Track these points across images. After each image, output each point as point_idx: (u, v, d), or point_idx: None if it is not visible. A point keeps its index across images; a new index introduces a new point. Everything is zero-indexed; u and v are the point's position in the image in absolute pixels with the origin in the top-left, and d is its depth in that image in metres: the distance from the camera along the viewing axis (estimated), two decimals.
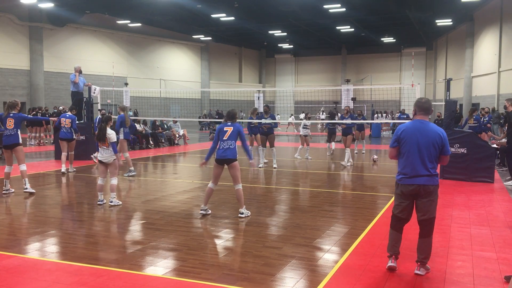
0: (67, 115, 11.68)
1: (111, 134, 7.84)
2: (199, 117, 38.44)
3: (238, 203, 7.09)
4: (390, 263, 4.75)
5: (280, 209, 7.88)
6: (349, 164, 13.29)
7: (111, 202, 7.81)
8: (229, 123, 7.03)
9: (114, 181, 7.97)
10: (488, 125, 15.66)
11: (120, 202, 7.92)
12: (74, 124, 11.68)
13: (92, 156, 13.51)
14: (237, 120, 7.17)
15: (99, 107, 15.19)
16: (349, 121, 13.56)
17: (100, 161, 7.98)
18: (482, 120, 15.37)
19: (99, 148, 7.93)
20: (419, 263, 4.69)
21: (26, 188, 8.74)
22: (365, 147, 17.83)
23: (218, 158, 6.93)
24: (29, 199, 8.40)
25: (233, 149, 6.87)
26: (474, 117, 14.95)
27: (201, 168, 12.23)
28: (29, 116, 17.24)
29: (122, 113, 11.37)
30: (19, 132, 8.89)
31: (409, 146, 4.62)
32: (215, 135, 7.07)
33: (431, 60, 45.34)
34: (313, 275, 4.65)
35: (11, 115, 8.86)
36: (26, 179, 8.79)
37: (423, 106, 4.70)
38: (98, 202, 7.87)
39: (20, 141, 8.86)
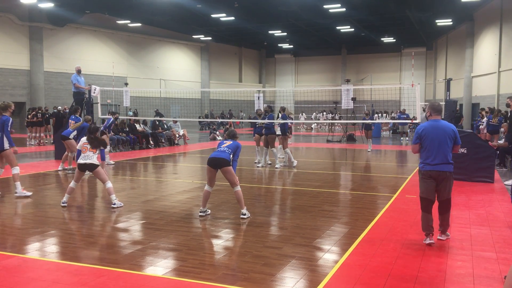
0: (73, 117, 12.22)
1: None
2: (199, 117, 38.43)
3: (239, 205, 7.07)
4: (428, 241, 5.62)
5: (280, 209, 7.89)
6: (280, 165, 13.03)
7: (114, 204, 7.68)
8: (229, 140, 7.18)
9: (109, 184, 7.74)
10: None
11: (122, 203, 7.80)
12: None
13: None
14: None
15: (112, 109, 15.19)
16: (266, 121, 12.95)
17: (82, 166, 7.65)
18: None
19: (83, 154, 7.66)
20: (440, 231, 5.83)
21: (16, 193, 8.41)
22: (371, 147, 18.33)
23: (212, 157, 6.89)
24: (29, 199, 8.39)
25: (228, 154, 6.88)
26: (498, 118, 15.02)
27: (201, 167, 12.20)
28: None
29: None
30: (4, 138, 8.35)
31: (430, 140, 5.62)
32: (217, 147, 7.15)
33: (431, 60, 45.32)
34: (313, 275, 4.65)
35: None
36: (18, 183, 8.47)
37: (436, 109, 5.81)
38: (62, 204, 7.70)
39: (6, 146, 8.37)
